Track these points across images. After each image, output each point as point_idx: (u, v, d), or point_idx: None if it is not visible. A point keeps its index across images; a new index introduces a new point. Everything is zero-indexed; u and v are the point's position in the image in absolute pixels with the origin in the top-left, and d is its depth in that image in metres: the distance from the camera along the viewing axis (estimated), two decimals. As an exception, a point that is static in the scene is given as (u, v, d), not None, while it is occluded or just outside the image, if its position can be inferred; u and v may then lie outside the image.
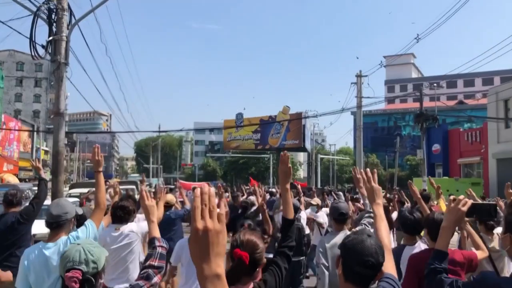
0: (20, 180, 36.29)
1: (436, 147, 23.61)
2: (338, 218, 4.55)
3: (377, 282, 2.02)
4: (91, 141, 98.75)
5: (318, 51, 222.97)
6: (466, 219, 3.06)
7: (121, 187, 22.10)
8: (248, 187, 17.86)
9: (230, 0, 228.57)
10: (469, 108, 43.67)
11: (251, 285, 2.13)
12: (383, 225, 2.41)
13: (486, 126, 30.23)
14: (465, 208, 2.31)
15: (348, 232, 3.70)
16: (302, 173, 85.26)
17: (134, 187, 18.17)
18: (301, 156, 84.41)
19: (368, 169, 2.68)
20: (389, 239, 2.40)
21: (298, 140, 44.56)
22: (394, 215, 6.93)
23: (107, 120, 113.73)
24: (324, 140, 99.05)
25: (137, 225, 4.67)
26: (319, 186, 48.80)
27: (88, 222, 3.56)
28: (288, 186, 2.60)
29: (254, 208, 7.23)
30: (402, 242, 4.85)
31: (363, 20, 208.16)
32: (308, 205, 8.86)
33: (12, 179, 29.14)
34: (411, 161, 59.31)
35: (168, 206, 6.67)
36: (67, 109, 72.96)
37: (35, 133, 43.07)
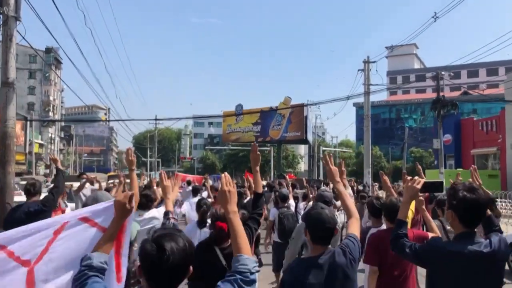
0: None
1: (447, 137, 22.23)
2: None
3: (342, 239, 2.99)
4: (89, 134, 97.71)
5: (321, 44, 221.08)
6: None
7: (113, 180, 20.58)
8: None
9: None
10: (475, 99, 42.29)
11: (229, 242, 2.65)
12: (346, 198, 3.06)
13: (503, 114, 28.66)
14: (419, 186, 2.98)
15: None
16: (303, 166, 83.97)
17: (127, 180, 18.09)
18: (302, 149, 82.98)
19: (326, 153, 3.61)
20: (354, 208, 3.04)
21: (300, 132, 43.14)
22: None
23: (105, 114, 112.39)
24: (325, 133, 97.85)
25: (158, 211, 5.12)
26: (321, 178, 47.49)
27: None
28: (258, 169, 3.27)
29: (248, 199, 7.56)
30: (368, 225, 5.46)
31: (366, 11, 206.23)
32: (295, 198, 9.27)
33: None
34: (415, 153, 58.17)
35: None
36: (63, 102, 71.79)
37: (28, 125, 41.58)
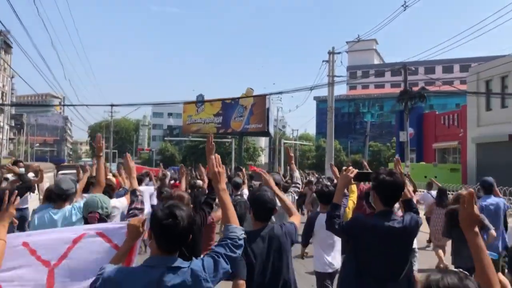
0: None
1: (409, 130, 22.52)
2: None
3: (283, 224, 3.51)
4: (41, 124, 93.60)
5: (283, 37, 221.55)
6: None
7: (65, 171, 19.96)
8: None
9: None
10: (431, 94, 43.22)
11: None
12: (285, 200, 3.68)
13: (465, 109, 29.21)
14: (352, 175, 3.47)
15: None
16: (263, 158, 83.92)
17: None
18: (263, 141, 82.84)
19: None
20: (293, 208, 3.70)
21: (262, 124, 42.69)
22: None
23: (60, 102, 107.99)
24: (285, 126, 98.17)
25: (119, 200, 5.23)
26: (282, 172, 47.33)
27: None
28: (212, 157, 2.86)
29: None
30: (317, 210, 5.98)
31: (328, 5, 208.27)
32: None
33: None
34: (373, 147, 59.34)
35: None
36: (15, 90, 68.18)
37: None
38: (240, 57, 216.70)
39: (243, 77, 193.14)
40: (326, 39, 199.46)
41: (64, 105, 64.18)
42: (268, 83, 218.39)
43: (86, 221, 3.48)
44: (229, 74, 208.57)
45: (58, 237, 2.85)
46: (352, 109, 78.73)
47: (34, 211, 4.54)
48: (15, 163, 8.58)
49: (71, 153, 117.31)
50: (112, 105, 25.44)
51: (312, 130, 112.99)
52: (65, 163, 50.64)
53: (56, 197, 4.15)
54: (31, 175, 8.88)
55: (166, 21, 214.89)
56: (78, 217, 3.93)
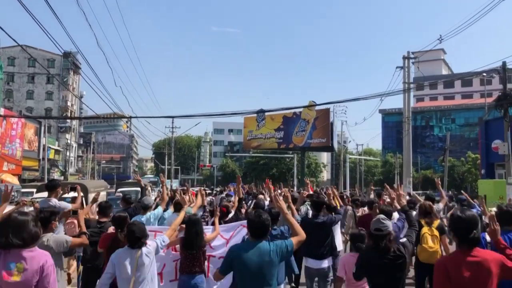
0: (23, 180, 33.54)
1: (496, 143, 19.50)
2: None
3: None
4: (108, 142, 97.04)
5: (343, 50, 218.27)
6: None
7: (124, 189, 19.39)
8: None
9: (249, 3, 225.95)
10: None
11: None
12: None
13: None
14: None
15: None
16: (326, 175, 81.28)
17: (138, 188, 17.75)
18: (325, 157, 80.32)
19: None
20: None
21: (325, 139, 40.70)
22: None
23: (127, 121, 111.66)
24: (346, 141, 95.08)
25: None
26: (347, 188, 44.82)
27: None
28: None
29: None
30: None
31: (385, 18, 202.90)
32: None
33: (11, 179, 26.16)
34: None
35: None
36: (83, 109, 70.89)
37: (42, 131, 40.23)
38: (298, 72, 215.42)
39: (303, 93, 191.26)
40: (391, 50, 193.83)
41: (130, 117, 65.95)
42: (331, 99, 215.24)
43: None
44: (288, 93, 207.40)
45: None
46: (419, 122, 74.63)
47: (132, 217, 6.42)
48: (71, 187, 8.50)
49: (136, 169, 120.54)
50: (172, 117, 25.09)
51: (374, 145, 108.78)
52: (130, 180, 51.38)
53: (143, 207, 6.86)
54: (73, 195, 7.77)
55: (225, 40, 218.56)
56: (154, 219, 6.77)
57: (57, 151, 52.33)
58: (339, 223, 7.28)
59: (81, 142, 72.62)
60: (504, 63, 16.50)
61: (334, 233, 6.88)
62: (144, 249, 4.44)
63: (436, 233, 6.26)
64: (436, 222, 6.42)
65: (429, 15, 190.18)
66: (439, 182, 6.00)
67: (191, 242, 5.34)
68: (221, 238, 6.02)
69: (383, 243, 3.88)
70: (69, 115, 60.24)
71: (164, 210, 7.14)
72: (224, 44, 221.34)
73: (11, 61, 59.63)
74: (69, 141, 56.85)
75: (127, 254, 4.39)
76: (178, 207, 6.68)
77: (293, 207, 5.84)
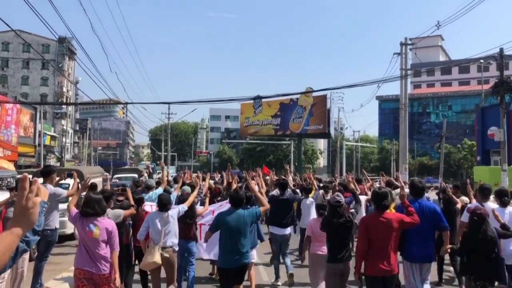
0: (19, 167, 33.37)
1: (492, 130, 19.47)
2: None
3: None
4: (105, 128, 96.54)
5: (339, 36, 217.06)
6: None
7: (121, 175, 19.56)
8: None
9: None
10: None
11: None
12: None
13: None
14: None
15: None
16: (322, 161, 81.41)
17: (135, 175, 18.75)
18: (321, 144, 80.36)
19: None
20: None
21: (322, 125, 40.68)
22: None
23: (123, 107, 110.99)
24: (343, 128, 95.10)
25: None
26: (343, 175, 44.90)
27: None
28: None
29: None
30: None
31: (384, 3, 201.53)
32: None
33: (7, 165, 26.02)
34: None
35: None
36: (78, 95, 70.48)
37: (38, 117, 39.97)
38: (295, 58, 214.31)
39: (300, 79, 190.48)
40: (388, 37, 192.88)
41: (126, 103, 65.44)
42: (328, 85, 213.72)
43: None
44: (285, 79, 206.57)
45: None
46: (416, 108, 74.56)
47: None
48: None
49: (133, 156, 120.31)
50: (169, 103, 24.87)
51: (371, 132, 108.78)
52: (127, 167, 51.32)
53: (146, 187, 8.33)
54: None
55: (221, 26, 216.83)
56: (155, 198, 7.10)
57: (53, 137, 52.01)
58: (313, 205, 8.43)
59: (77, 128, 72.19)
60: (501, 50, 16.44)
61: (309, 214, 8.61)
62: (170, 212, 6.15)
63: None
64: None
65: (427, 1, 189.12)
66: (400, 175, 7.83)
67: (185, 215, 6.78)
68: (209, 212, 7.55)
69: (339, 211, 5.42)
70: (64, 101, 59.78)
71: (165, 190, 8.07)
72: (221, 29, 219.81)
73: (5, 46, 58.94)
74: (65, 127, 56.56)
75: (158, 215, 6.09)
76: (192, 188, 8.10)
77: (264, 188, 8.63)
